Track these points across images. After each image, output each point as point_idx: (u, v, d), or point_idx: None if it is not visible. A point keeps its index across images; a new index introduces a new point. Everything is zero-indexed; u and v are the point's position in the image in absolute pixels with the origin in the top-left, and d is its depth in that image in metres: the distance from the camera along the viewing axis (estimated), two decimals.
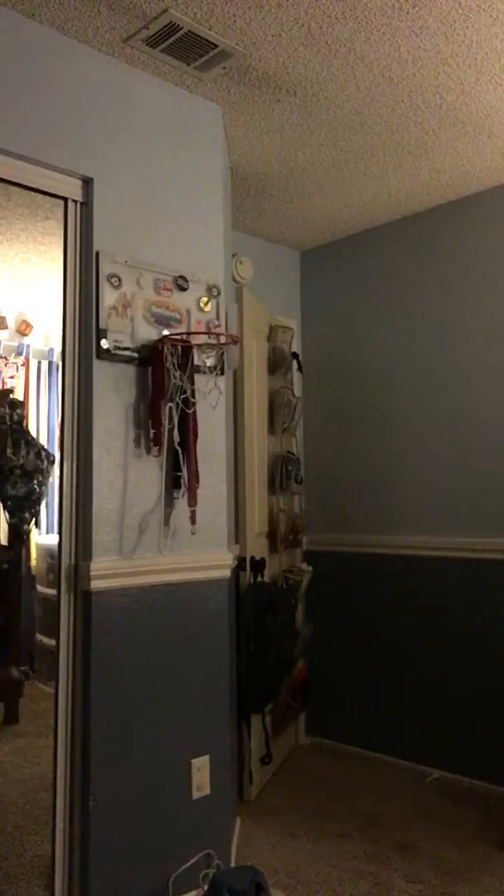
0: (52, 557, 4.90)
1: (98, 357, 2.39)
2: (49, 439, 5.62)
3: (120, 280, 2.46)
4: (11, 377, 5.53)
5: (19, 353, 5.55)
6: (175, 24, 2.33)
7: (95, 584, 2.32)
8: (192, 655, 2.57)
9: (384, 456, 3.93)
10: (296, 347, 4.18)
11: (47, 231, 3.89)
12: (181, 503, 2.55)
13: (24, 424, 4.90)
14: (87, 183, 2.45)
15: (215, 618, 2.65)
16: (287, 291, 4.32)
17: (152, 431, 2.46)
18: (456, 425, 3.65)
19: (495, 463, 3.49)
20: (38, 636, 5.06)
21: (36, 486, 4.74)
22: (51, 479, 4.91)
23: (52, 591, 3.30)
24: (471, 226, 3.66)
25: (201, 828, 2.54)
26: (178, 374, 2.49)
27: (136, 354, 2.47)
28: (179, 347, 2.53)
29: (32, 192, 2.41)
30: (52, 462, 4.85)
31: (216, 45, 2.44)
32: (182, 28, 2.35)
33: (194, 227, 2.72)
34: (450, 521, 3.64)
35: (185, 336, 2.56)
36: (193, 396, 2.54)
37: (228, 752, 2.70)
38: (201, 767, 2.56)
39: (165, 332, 2.53)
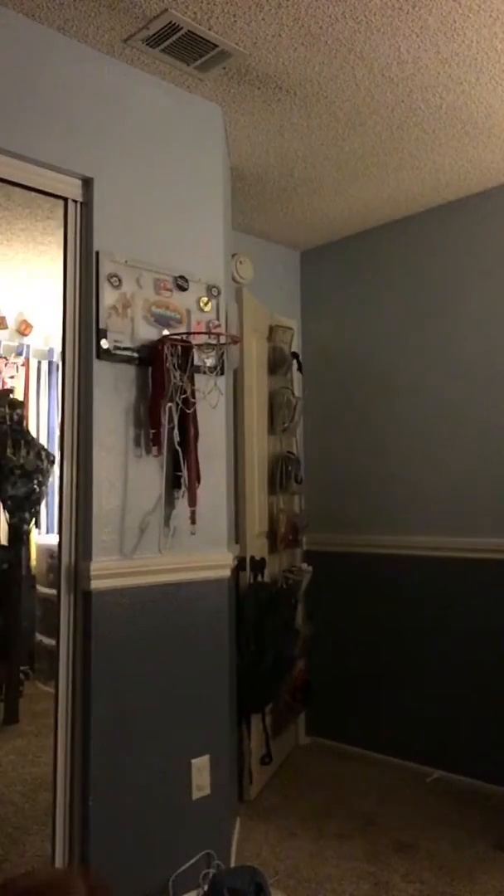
0: (52, 557, 4.89)
1: (98, 357, 2.39)
2: (49, 439, 5.62)
3: (120, 280, 2.46)
4: (11, 377, 5.53)
5: (19, 353, 5.55)
6: (175, 24, 2.33)
7: (95, 584, 2.32)
8: (193, 655, 2.57)
9: (384, 456, 3.93)
10: (296, 347, 4.18)
11: (47, 231, 3.89)
12: (181, 503, 2.55)
13: (24, 424, 4.89)
14: (87, 183, 2.45)
15: (215, 618, 2.65)
16: (287, 291, 4.32)
17: (152, 431, 2.46)
18: (456, 425, 3.65)
19: (495, 463, 3.49)
20: (38, 636, 5.06)
21: (36, 486, 4.73)
22: (51, 479, 4.90)
23: (52, 591, 3.30)
24: (471, 225, 3.66)
25: (201, 828, 2.54)
26: (178, 374, 2.49)
27: (136, 354, 2.47)
28: (179, 347, 2.53)
29: (32, 192, 2.41)
30: (52, 462, 4.85)
31: (216, 45, 2.44)
32: (182, 28, 2.35)
33: (194, 227, 2.72)
34: (450, 521, 3.64)
35: (185, 336, 2.56)
36: (193, 396, 2.54)
37: (228, 752, 2.70)
38: (201, 767, 2.56)
39: (165, 332, 2.53)
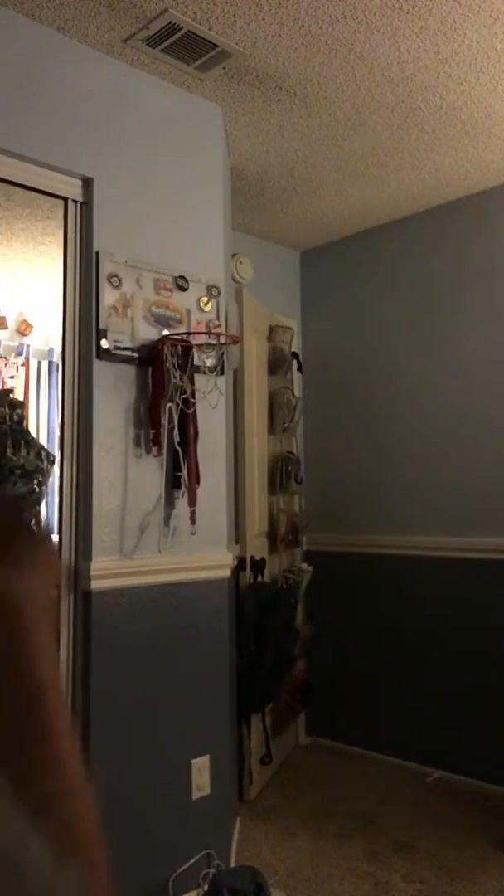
0: None
1: (98, 357, 2.39)
2: (49, 439, 5.61)
3: (120, 280, 2.46)
4: (11, 377, 5.52)
5: (19, 353, 5.54)
6: (175, 24, 2.33)
7: (95, 584, 2.32)
8: (193, 655, 2.57)
9: (384, 456, 3.93)
10: (296, 347, 4.18)
11: (47, 231, 3.88)
12: (181, 503, 2.54)
13: (24, 424, 4.88)
14: (87, 183, 2.45)
15: (215, 618, 2.65)
16: (287, 291, 4.32)
17: (152, 431, 2.46)
18: (456, 425, 3.65)
19: (495, 463, 3.49)
20: None
21: (36, 486, 4.72)
22: (51, 479, 4.90)
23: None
24: (471, 225, 3.66)
25: (201, 828, 2.54)
26: (178, 374, 2.49)
27: (136, 354, 2.47)
28: (179, 347, 2.52)
29: (32, 192, 2.41)
30: (52, 462, 4.84)
31: (216, 45, 2.44)
32: (182, 28, 2.35)
33: (194, 227, 2.72)
34: (450, 521, 3.64)
35: (185, 336, 2.56)
36: (193, 396, 2.54)
37: (228, 752, 2.70)
38: (201, 767, 2.56)
39: (165, 332, 2.53)
